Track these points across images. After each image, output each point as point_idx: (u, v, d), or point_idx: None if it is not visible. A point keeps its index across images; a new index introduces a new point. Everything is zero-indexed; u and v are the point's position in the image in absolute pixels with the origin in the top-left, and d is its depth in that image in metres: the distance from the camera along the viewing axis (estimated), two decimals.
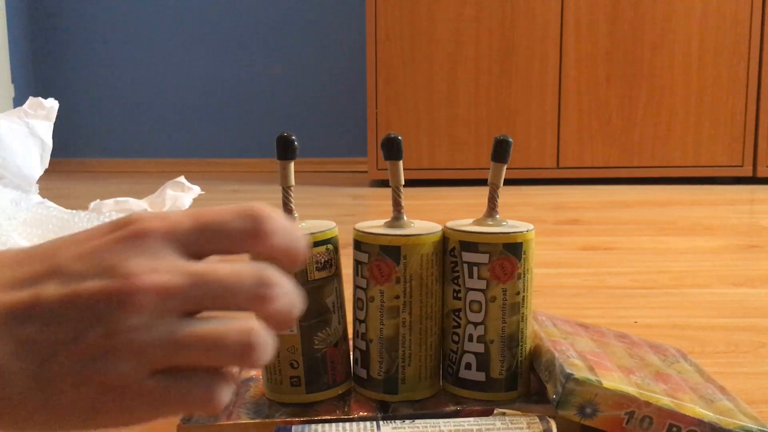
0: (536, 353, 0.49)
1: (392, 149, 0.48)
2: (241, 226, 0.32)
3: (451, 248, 0.48)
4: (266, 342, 0.32)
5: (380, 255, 0.47)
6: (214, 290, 0.31)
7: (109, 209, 1.05)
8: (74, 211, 0.94)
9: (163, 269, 0.31)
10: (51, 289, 0.30)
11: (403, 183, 0.49)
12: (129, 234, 0.31)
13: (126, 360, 0.30)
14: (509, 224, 0.49)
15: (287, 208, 0.49)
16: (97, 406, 0.30)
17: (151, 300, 0.30)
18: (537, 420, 0.42)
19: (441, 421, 0.42)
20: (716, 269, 1.03)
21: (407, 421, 0.42)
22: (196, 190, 1.19)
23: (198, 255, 0.32)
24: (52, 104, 0.90)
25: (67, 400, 0.30)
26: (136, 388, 0.31)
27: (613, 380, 0.43)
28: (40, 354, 0.29)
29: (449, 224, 0.50)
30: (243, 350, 0.31)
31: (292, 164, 0.48)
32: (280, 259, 0.34)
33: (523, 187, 2.17)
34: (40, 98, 0.89)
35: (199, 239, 0.32)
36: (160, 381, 0.31)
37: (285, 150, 0.47)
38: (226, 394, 0.32)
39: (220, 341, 0.31)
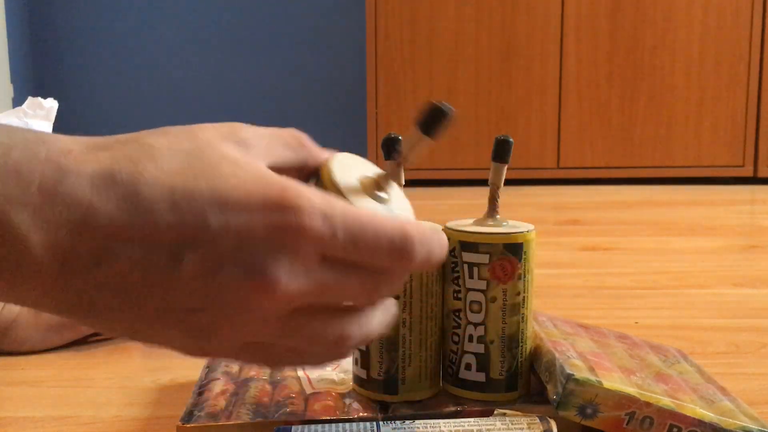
0: (537, 354, 0.49)
1: (392, 149, 0.48)
2: (389, 254, 0.31)
3: (451, 248, 0.48)
4: (357, 342, 0.33)
5: None
6: (336, 303, 0.33)
7: None
8: None
9: (302, 280, 0.30)
10: (190, 265, 0.29)
11: (403, 183, 0.49)
12: (286, 226, 0.30)
13: (226, 340, 0.31)
14: (510, 224, 0.49)
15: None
16: (188, 347, 0.32)
17: (279, 307, 0.30)
18: (537, 420, 0.41)
19: (441, 421, 0.41)
20: (717, 269, 1.03)
21: (407, 422, 0.42)
22: None
23: (336, 262, 0.31)
24: (51, 104, 0.90)
25: (162, 341, 0.32)
26: (226, 354, 0.33)
27: (614, 381, 0.43)
28: (158, 311, 0.30)
29: (449, 224, 0.50)
30: (334, 357, 0.34)
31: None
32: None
33: (524, 187, 2.16)
34: (39, 98, 0.89)
35: (346, 255, 0.31)
36: (250, 354, 0.33)
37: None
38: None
39: (317, 339, 0.32)
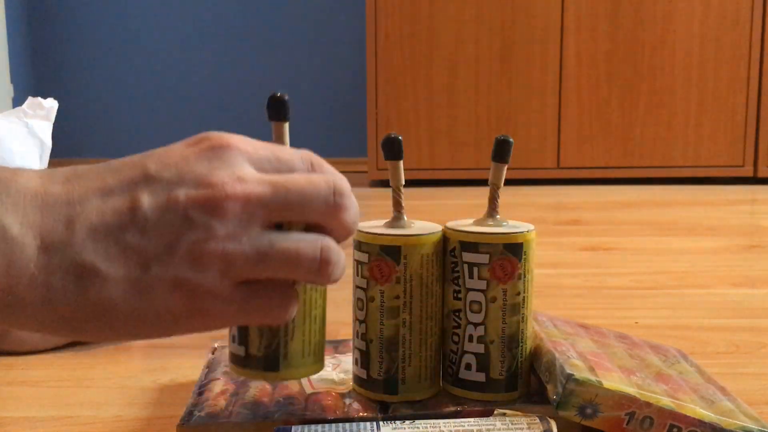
0: (536, 354, 0.49)
1: (392, 149, 0.48)
2: (302, 160, 0.36)
3: (451, 248, 0.48)
4: (340, 260, 0.35)
5: (380, 255, 0.47)
6: (293, 199, 0.34)
7: None
8: None
9: (248, 179, 0.33)
10: (146, 197, 0.32)
11: (403, 183, 0.49)
12: (213, 145, 0.34)
13: (216, 268, 0.32)
14: (510, 224, 0.49)
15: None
16: (188, 311, 0.32)
17: (237, 207, 0.32)
18: (537, 420, 0.42)
19: (441, 421, 0.41)
20: (717, 269, 1.03)
21: (407, 422, 0.42)
22: None
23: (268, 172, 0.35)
24: (51, 104, 0.89)
25: (161, 304, 0.32)
26: (223, 296, 0.33)
27: (614, 381, 0.43)
28: (141, 260, 0.31)
29: (449, 224, 0.50)
30: (319, 265, 0.34)
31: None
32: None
33: (524, 187, 2.16)
34: (39, 98, 0.89)
35: (270, 166, 0.35)
36: (243, 292, 0.34)
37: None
38: (293, 311, 0.36)
39: (297, 258, 0.34)
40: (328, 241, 0.35)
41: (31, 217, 0.30)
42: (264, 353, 0.41)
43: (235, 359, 0.42)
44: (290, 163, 0.36)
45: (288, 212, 0.34)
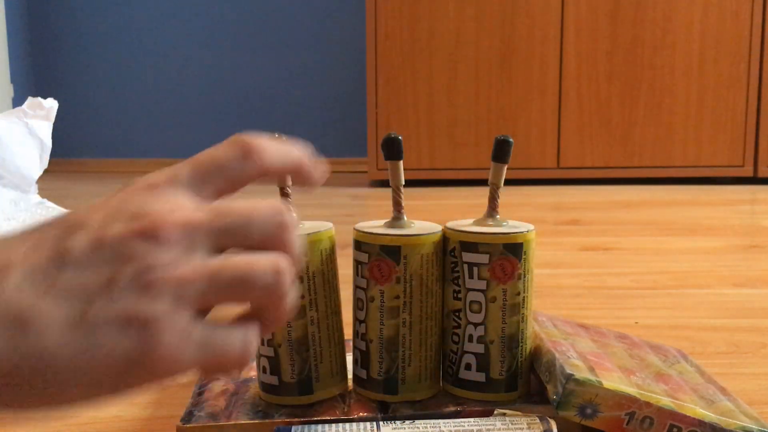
0: (536, 354, 0.49)
1: (392, 149, 0.48)
2: (232, 154, 0.34)
3: (451, 248, 0.48)
4: (292, 272, 0.33)
5: (380, 255, 0.47)
6: (235, 221, 0.32)
7: None
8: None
9: (185, 207, 0.32)
10: (78, 239, 0.30)
11: (403, 183, 0.49)
12: (140, 187, 0.33)
13: (164, 295, 0.30)
14: (509, 224, 0.49)
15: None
16: (143, 349, 0.29)
17: (177, 233, 0.31)
18: (537, 420, 0.42)
19: (441, 421, 0.41)
20: (717, 269, 1.03)
21: (407, 422, 0.42)
22: None
23: (205, 197, 0.34)
24: (51, 104, 0.89)
25: (113, 345, 0.29)
26: (180, 327, 0.30)
27: (614, 381, 0.43)
28: (80, 299, 0.29)
29: (449, 224, 0.50)
30: (274, 278, 0.32)
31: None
32: (289, 175, 0.36)
33: (523, 187, 2.16)
34: (39, 98, 0.89)
35: (201, 181, 0.34)
36: (202, 325, 0.31)
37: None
38: (254, 349, 0.33)
39: (251, 271, 0.32)
40: (276, 257, 0.33)
41: None
42: (297, 379, 0.46)
43: (268, 388, 0.48)
44: (215, 161, 0.34)
45: (231, 235, 0.32)
